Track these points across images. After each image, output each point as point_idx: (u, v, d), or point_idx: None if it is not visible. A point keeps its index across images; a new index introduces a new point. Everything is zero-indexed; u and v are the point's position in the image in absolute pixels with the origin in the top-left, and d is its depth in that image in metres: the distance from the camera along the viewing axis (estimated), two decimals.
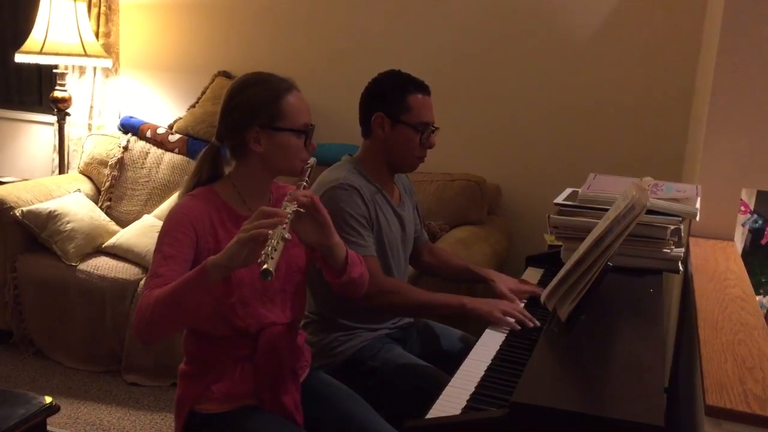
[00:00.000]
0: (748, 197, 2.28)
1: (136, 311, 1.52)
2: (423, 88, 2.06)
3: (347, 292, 1.80)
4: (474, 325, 1.97)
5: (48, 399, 2.01)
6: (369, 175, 2.06)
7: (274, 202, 1.76)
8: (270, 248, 1.40)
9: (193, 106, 3.74)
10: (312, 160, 1.72)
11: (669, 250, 1.89)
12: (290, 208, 1.55)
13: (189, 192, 1.70)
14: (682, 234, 1.93)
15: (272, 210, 1.49)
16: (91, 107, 3.91)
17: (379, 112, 2.03)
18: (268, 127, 1.66)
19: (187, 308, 1.49)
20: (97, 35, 3.78)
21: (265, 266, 1.37)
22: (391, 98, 2.03)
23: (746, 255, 2.29)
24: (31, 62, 3.59)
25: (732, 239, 2.21)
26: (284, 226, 1.46)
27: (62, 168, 3.84)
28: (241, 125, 1.66)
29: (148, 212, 3.49)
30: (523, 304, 1.90)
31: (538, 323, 1.78)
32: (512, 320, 1.78)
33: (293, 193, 1.61)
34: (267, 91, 1.67)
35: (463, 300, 1.92)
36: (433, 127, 2.07)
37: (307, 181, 1.68)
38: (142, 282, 3.11)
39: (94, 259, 3.26)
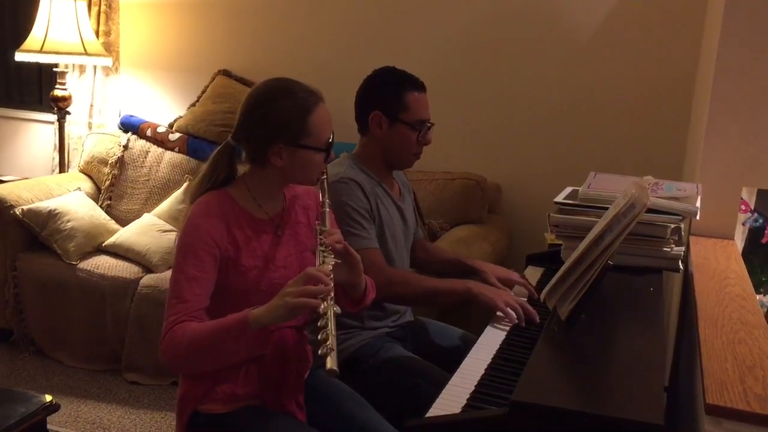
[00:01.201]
0: (749, 196, 2.28)
1: (167, 341, 1.51)
2: (419, 85, 2.06)
3: (355, 312, 1.83)
4: (474, 324, 1.97)
5: (48, 397, 2.01)
6: (368, 169, 2.06)
7: (287, 206, 1.76)
8: (330, 336, 1.38)
9: (193, 105, 3.74)
10: (326, 171, 1.71)
11: (669, 249, 1.89)
12: (329, 261, 1.54)
13: (203, 193, 1.67)
14: (683, 233, 1.93)
15: (319, 276, 1.47)
16: (92, 106, 3.91)
17: (376, 111, 2.03)
18: (292, 144, 1.63)
19: (222, 353, 1.51)
20: (97, 34, 3.78)
21: (329, 366, 1.35)
22: (388, 97, 2.03)
23: (746, 254, 2.29)
24: (31, 61, 3.59)
25: (732, 238, 2.21)
26: (332, 296, 1.46)
27: (62, 167, 3.84)
28: (265, 138, 1.63)
29: (148, 211, 3.49)
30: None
31: (537, 320, 1.79)
32: (513, 314, 1.79)
33: (326, 237, 1.59)
34: (295, 106, 1.63)
35: (468, 284, 1.94)
36: (430, 123, 2.08)
37: (329, 203, 1.67)
38: (142, 281, 3.12)
39: (94, 257, 3.26)
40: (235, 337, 1.47)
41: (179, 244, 1.59)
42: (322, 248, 1.57)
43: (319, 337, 1.39)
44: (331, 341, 1.37)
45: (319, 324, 1.41)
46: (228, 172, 1.70)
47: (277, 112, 1.63)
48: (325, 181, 1.70)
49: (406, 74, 2.07)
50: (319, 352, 1.37)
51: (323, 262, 1.53)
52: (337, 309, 1.45)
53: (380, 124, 2.04)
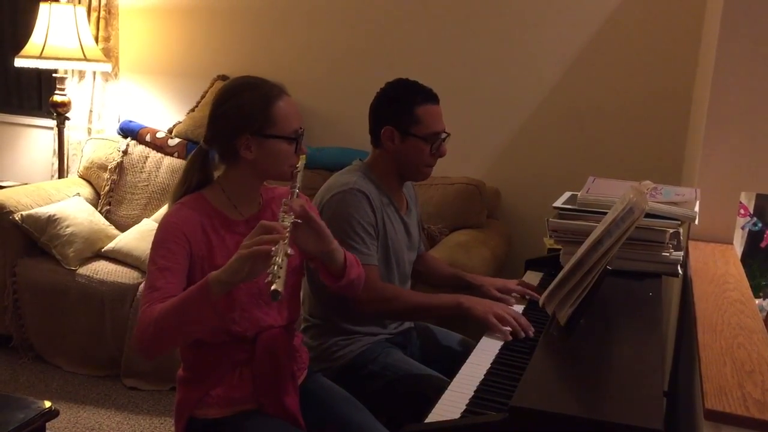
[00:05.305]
0: (747, 200, 2.28)
1: (138, 326, 1.51)
2: (431, 97, 2.03)
3: (344, 292, 1.79)
4: (473, 329, 1.97)
5: (47, 403, 2.01)
6: (379, 181, 2.05)
7: (264, 206, 1.76)
8: (275, 267, 1.38)
9: (192, 110, 3.75)
10: (300, 165, 1.69)
11: (668, 254, 1.89)
12: (288, 220, 1.53)
13: (178, 199, 1.69)
14: (682, 237, 1.93)
15: (272, 225, 1.47)
16: (91, 111, 3.92)
17: (388, 126, 2.01)
18: (258, 134, 1.64)
19: (190, 323, 1.49)
20: (96, 39, 3.79)
21: (273, 287, 1.35)
22: (399, 111, 2.00)
23: (745, 258, 2.29)
24: (30, 66, 3.60)
25: (731, 242, 2.21)
26: (285, 241, 1.45)
27: (62, 172, 3.84)
28: (231, 132, 1.65)
29: (148, 216, 3.49)
30: (521, 309, 1.89)
31: (532, 333, 1.75)
32: (506, 328, 1.76)
33: (288, 203, 1.59)
34: (257, 97, 1.65)
35: (459, 299, 1.92)
36: (444, 134, 2.05)
37: (298, 187, 1.65)
38: (142, 286, 3.11)
39: (93, 263, 3.26)
40: (199, 302, 1.47)
41: (153, 242, 1.61)
42: (283, 210, 1.57)
43: (267, 270, 1.38)
44: (277, 270, 1.37)
45: (270, 261, 1.41)
46: (201, 176, 1.71)
47: (240, 104, 1.65)
48: (299, 173, 1.68)
49: (418, 86, 2.03)
50: (266, 280, 1.36)
51: (282, 220, 1.53)
52: (290, 251, 1.43)
53: (392, 138, 2.01)
